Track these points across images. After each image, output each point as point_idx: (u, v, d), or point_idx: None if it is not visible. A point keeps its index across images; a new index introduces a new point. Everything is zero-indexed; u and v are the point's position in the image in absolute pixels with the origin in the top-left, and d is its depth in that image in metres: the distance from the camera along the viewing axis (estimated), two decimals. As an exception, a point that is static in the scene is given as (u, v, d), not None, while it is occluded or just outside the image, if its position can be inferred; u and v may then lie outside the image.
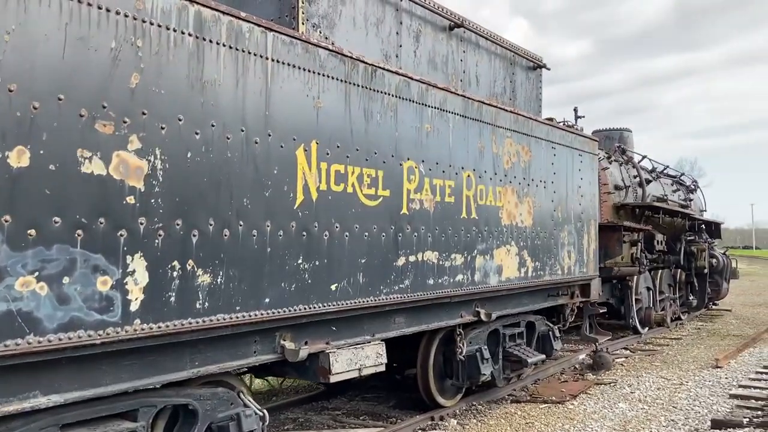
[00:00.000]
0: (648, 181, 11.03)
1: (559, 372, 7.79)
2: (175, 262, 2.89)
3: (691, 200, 13.57)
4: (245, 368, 4.39)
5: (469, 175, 5.00)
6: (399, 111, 4.29)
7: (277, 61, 3.40)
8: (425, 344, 5.60)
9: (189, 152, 2.95)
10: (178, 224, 2.90)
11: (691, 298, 13.09)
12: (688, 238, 12.35)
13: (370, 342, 4.31)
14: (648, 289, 10.95)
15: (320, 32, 4.21)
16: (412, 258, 4.39)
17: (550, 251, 6.22)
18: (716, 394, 6.58)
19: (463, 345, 5.56)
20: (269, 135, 3.35)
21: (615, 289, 10.31)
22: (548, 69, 7.04)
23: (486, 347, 5.85)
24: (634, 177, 10.72)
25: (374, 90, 4.07)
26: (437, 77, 5.26)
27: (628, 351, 9.69)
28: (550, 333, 6.96)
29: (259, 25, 3.29)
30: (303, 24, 4.07)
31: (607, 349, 8.28)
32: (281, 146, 3.41)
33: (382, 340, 4.42)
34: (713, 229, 14.32)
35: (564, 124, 9.40)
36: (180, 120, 2.92)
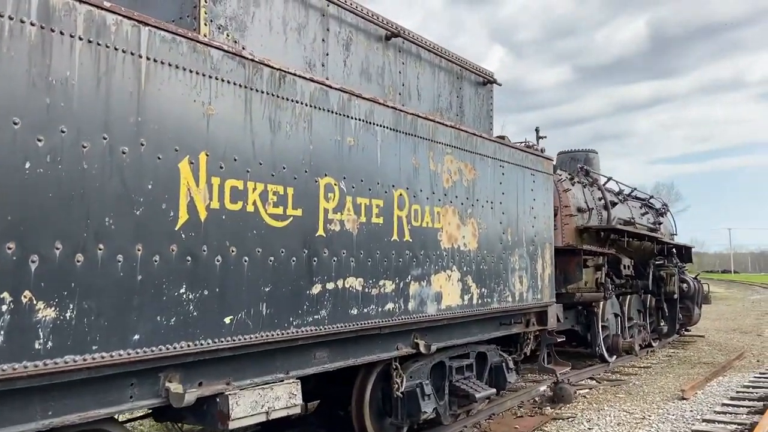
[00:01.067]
0: (613, 204, 10.73)
1: (516, 405, 7.32)
2: (5, 294, 2.40)
3: (660, 224, 13.32)
4: (141, 412, 3.88)
5: (401, 194, 4.58)
6: (315, 122, 3.87)
7: (155, 60, 2.97)
8: (361, 379, 5.11)
9: (27, 162, 2.48)
10: (9, 248, 2.42)
11: (662, 324, 12.76)
12: (657, 262, 12.04)
13: (282, 381, 3.82)
14: (615, 315, 10.58)
15: (228, 35, 3.81)
16: (330, 285, 3.93)
17: (498, 277, 5.80)
18: (678, 430, 6.16)
19: (400, 380, 5.08)
20: (142, 144, 2.90)
21: (580, 315, 9.92)
22: (499, 84, 6.72)
23: (428, 382, 5.37)
24: (599, 199, 10.42)
25: (283, 98, 3.65)
26: (372, 89, 4.88)
27: (593, 381, 9.26)
28: (504, 364, 6.51)
29: (129, 18, 2.86)
30: (206, 25, 3.66)
31: (568, 380, 7.84)
32: (158, 158, 2.96)
33: (298, 378, 3.93)
34: (683, 253, 14.07)
35: (525, 145, 9.09)
36: (16, 124, 2.46)
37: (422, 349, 5.03)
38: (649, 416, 6.72)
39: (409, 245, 4.64)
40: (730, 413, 6.70)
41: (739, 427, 6.14)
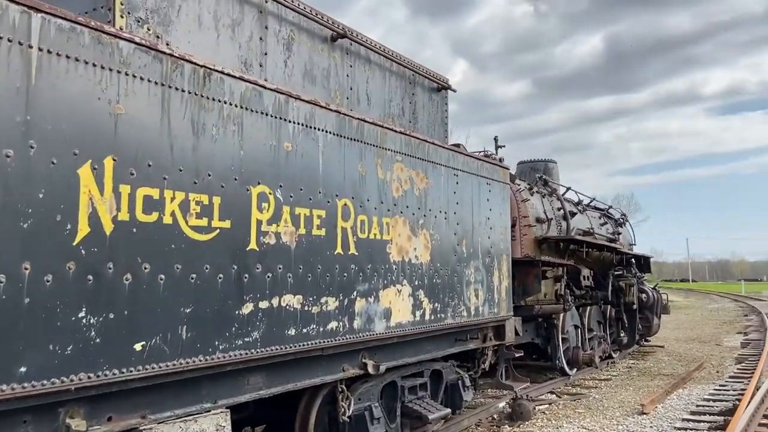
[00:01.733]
0: (573, 214, 10.64)
1: (474, 424, 7.04)
2: None
3: (619, 234, 13.33)
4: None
5: (346, 204, 4.27)
6: (246, 125, 3.53)
7: (49, 52, 2.60)
8: (305, 403, 4.75)
9: None
10: None
11: (622, 335, 12.72)
12: (616, 272, 12.01)
13: (210, 411, 3.44)
14: (576, 327, 10.45)
15: (148, 29, 3.45)
16: (263, 304, 3.57)
17: (453, 290, 5.53)
18: (639, 448, 5.97)
19: (347, 403, 4.74)
20: (32, 147, 2.51)
21: (540, 328, 9.74)
22: (454, 91, 6.50)
23: (378, 404, 5.05)
24: (558, 209, 10.31)
25: (208, 98, 3.31)
26: (316, 93, 4.57)
27: (554, 395, 9.07)
28: (460, 382, 6.24)
29: (17, 3, 2.49)
30: (122, 17, 3.30)
31: (527, 396, 7.62)
32: (52, 162, 2.58)
33: (227, 407, 3.56)
34: (642, 263, 14.12)
35: (483, 154, 8.90)
36: None
37: (371, 369, 4.70)
38: (609, 433, 6.53)
39: (354, 259, 4.32)
40: (691, 429, 6.56)
41: (699, 443, 6.00)
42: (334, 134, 4.22)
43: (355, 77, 5.12)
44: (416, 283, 5.00)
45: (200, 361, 3.18)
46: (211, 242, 3.26)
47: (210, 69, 3.32)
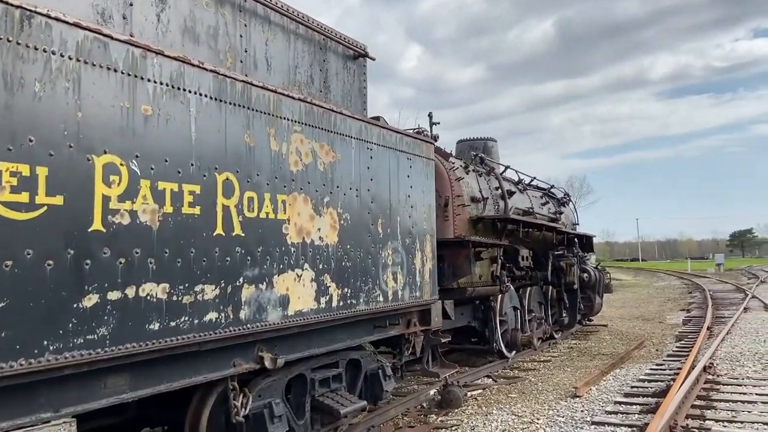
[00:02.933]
0: (511, 193, 10.35)
1: (401, 414, 6.67)
2: None
3: (561, 213, 13.18)
4: None
5: (228, 179, 3.75)
6: (85, 82, 2.96)
7: None
8: (197, 403, 4.25)
9: None
10: None
11: (564, 315, 12.62)
12: (557, 252, 11.83)
13: (48, 422, 2.90)
14: (515, 308, 10.22)
15: (-40, -36, 2.82)
16: (114, 295, 3.04)
17: (366, 274, 5.09)
18: (566, 435, 5.71)
19: (245, 400, 4.26)
20: None
21: (477, 310, 9.46)
22: (372, 59, 6.00)
23: (281, 400, 4.59)
24: (496, 188, 10.00)
25: (28, 46, 2.73)
26: (201, 54, 4.00)
27: (490, 380, 8.80)
28: (380, 371, 5.83)
29: None
30: None
31: (458, 382, 7.29)
32: None
33: (74, 417, 3.03)
34: (585, 242, 14.04)
35: (416, 132, 8.46)
36: None
37: (268, 364, 4.23)
38: (538, 419, 6.25)
39: (240, 241, 3.81)
40: (622, 413, 6.35)
41: (629, 429, 5.76)
42: (211, 98, 3.67)
43: (251, 39, 4.56)
44: (321, 267, 4.53)
45: (20, 365, 2.64)
46: (35, 222, 2.70)
47: (30, 11, 2.73)
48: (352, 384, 5.64)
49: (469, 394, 7.67)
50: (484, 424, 6.19)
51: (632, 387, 7.61)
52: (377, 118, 5.99)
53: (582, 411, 6.53)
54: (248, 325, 3.87)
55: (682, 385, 6.91)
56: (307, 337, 4.69)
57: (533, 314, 10.89)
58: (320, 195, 4.57)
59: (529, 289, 11.02)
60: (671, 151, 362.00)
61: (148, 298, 3.20)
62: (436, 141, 9.27)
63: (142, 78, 3.23)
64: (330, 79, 5.47)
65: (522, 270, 10.88)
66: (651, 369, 8.89)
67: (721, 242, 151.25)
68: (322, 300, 4.54)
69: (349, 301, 4.86)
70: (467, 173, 9.23)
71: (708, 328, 13.14)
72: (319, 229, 4.53)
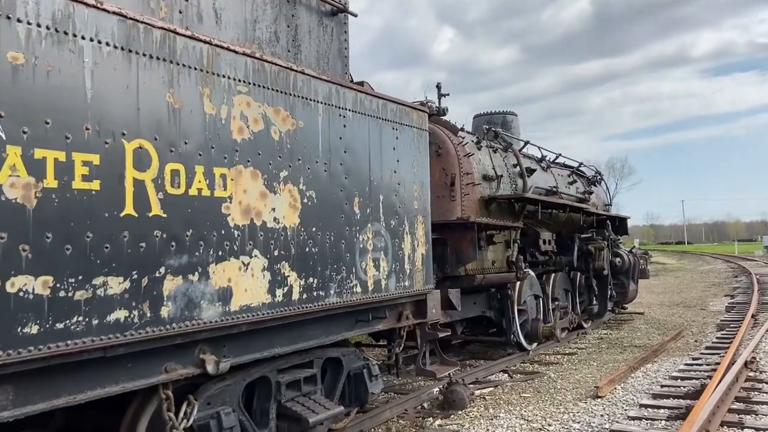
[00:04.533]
0: (531, 171, 9.46)
1: (396, 416, 5.99)
2: None
3: (591, 193, 12.19)
4: None
5: (141, 147, 3.09)
6: None
7: None
8: (134, 412, 3.66)
9: None
10: None
11: (594, 303, 11.69)
12: (583, 235, 10.89)
13: None
14: (536, 297, 9.38)
15: None
16: (-31, 290, 2.42)
17: (339, 261, 4.39)
18: (579, 446, 4.94)
19: (190, 410, 3.65)
20: None
21: (493, 299, 8.66)
22: (354, 15, 5.25)
23: (235, 408, 3.96)
24: (514, 166, 9.13)
25: None
26: (122, 2, 3.33)
27: (506, 375, 8.04)
28: (365, 371, 5.15)
29: None
30: None
31: (462, 380, 6.55)
32: None
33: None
34: (618, 224, 13.02)
35: (419, 103, 7.74)
36: None
37: (210, 368, 3.58)
38: (549, 426, 5.48)
39: (161, 223, 3.16)
40: (647, 418, 5.51)
41: (653, 439, 4.96)
42: (117, 47, 3.00)
43: (193, -14, 3.87)
44: (276, 253, 3.85)
45: None
46: None
47: None
48: (333, 386, 4.98)
49: (477, 392, 6.94)
50: (488, 430, 5.45)
51: (662, 386, 6.74)
52: (361, 84, 5.24)
53: (602, 415, 5.72)
54: (175, 325, 3.22)
55: (718, 384, 6.02)
56: (266, 336, 4.03)
57: (557, 303, 10.02)
58: (275, 169, 3.88)
59: (553, 275, 10.15)
60: (717, 130, 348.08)
61: (21, 294, 2.57)
62: (444, 114, 8.47)
63: (8, 17, 2.58)
64: (301, 37, 4.75)
65: (545, 255, 10.02)
66: (686, 364, 7.98)
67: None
68: (279, 292, 3.86)
69: (315, 293, 4.17)
70: (479, 149, 8.40)
71: (753, 316, 12.03)
72: (273, 209, 3.84)
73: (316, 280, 4.17)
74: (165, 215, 3.18)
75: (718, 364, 7.49)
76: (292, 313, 3.99)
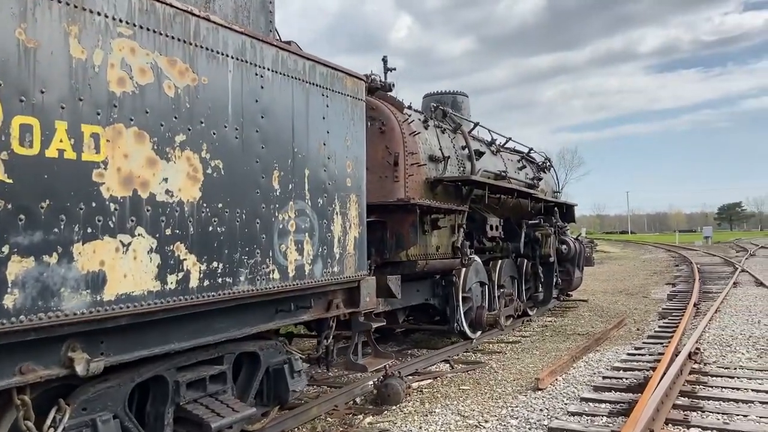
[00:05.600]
0: (480, 153, 9.05)
1: (324, 413, 5.48)
2: None
3: (540, 179, 11.93)
4: None
5: (-24, 93, 2.42)
6: None
7: None
8: (-12, 420, 3.00)
9: None
10: None
11: (540, 291, 11.47)
12: (531, 222, 10.60)
13: None
14: (481, 284, 9.02)
15: None
16: None
17: (252, 243, 3.81)
18: (517, 447, 4.54)
19: (60, 417, 3.04)
20: None
21: (437, 286, 8.25)
22: (280, -36, 4.62)
23: (118, 414, 3.36)
24: (462, 148, 8.69)
25: None
26: None
27: (448, 365, 7.65)
28: (287, 366, 4.61)
29: None
30: None
31: (398, 372, 6.09)
32: None
33: None
34: (565, 211, 12.84)
35: (367, 77, 7.18)
36: None
37: (79, 369, 2.96)
38: (486, 422, 5.08)
39: (4, 190, 2.51)
40: (588, 414, 5.18)
41: (594, 438, 4.61)
42: (-61, -38, 2.32)
43: None
44: (169, 232, 3.24)
45: None
46: None
47: None
48: (248, 384, 4.42)
49: (415, 384, 6.51)
50: (421, 428, 5.01)
51: (604, 378, 6.46)
52: (288, 43, 4.63)
53: (541, 410, 5.37)
54: (24, 317, 2.59)
55: (662, 378, 5.76)
56: (160, 329, 3.43)
57: (503, 290, 9.71)
58: (168, 131, 3.25)
59: (500, 262, 9.82)
60: (661, 125, 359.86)
61: None
62: (390, 90, 7.94)
63: None
64: (214, -17, 4.09)
65: (492, 241, 9.68)
66: (628, 354, 7.77)
67: (710, 215, 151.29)
68: (171, 279, 3.26)
69: (221, 280, 3.58)
70: (426, 128, 7.90)
71: (695, 305, 12.06)
72: (165, 180, 3.23)
73: (221, 265, 3.59)
74: (10, 181, 2.53)
75: (661, 354, 7.29)
76: (189, 303, 3.40)
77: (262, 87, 3.93)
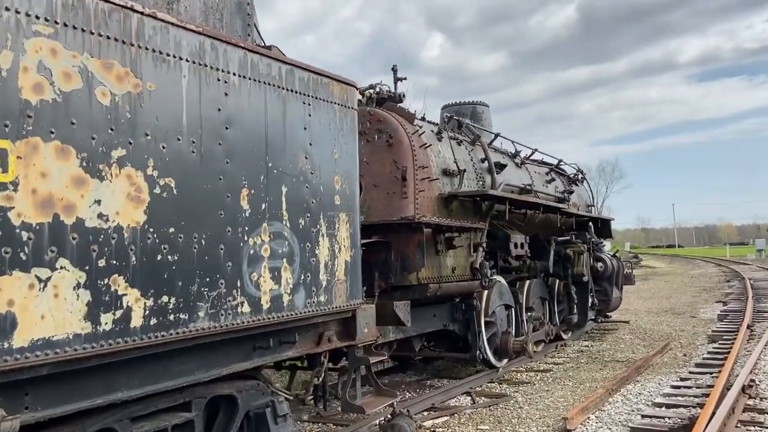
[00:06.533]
0: (502, 166, 8.42)
1: (320, 459, 4.91)
2: None
3: (571, 192, 11.18)
4: None
5: None
6: None
7: None
8: None
9: None
10: None
11: (575, 312, 10.66)
12: (560, 238, 9.85)
13: None
14: (507, 307, 8.33)
15: None
16: None
17: (215, 273, 3.31)
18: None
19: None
20: None
21: (456, 311, 7.61)
22: (256, -39, 4.18)
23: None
24: (482, 161, 8.09)
25: None
26: None
27: (469, 398, 6.99)
28: (269, 410, 4.07)
29: None
30: None
31: (407, 411, 5.46)
32: None
33: None
34: (600, 226, 12.02)
35: (376, 87, 6.78)
36: None
37: (-12, 427, 2.49)
38: (502, 476, 4.42)
39: None
40: (622, 464, 4.47)
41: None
42: None
43: None
44: (103, 264, 2.76)
45: None
46: None
47: None
48: (225, 431, 3.90)
49: (429, 422, 5.88)
50: (426, 480, 4.39)
51: (643, 417, 5.69)
52: (269, 48, 4.16)
53: (568, 460, 4.67)
54: None
55: (711, 418, 4.99)
56: (102, 376, 2.94)
57: (531, 313, 8.98)
58: (102, 146, 2.79)
59: (527, 282, 9.12)
60: (705, 135, 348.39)
61: None
62: (401, 101, 7.44)
63: None
64: (177, -18, 3.67)
65: (518, 260, 8.99)
66: (672, 386, 6.95)
67: (762, 227, 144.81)
68: (106, 319, 2.78)
69: (173, 317, 3.09)
70: (440, 140, 7.34)
71: (748, 327, 11.03)
72: (98, 202, 2.76)
73: (174, 300, 3.09)
74: None
75: (710, 387, 6.47)
76: (132, 346, 2.90)
77: (226, 94, 3.46)
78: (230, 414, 3.94)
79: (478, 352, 7.60)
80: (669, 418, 5.54)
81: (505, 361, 8.20)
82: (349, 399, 4.69)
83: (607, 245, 14.83)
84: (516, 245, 8.38)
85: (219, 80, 3.42)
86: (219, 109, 3.41)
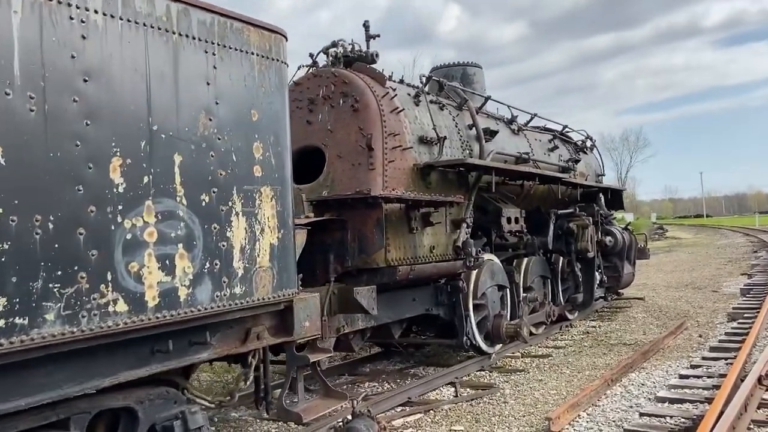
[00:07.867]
0: (493, 133, 7.58)
1: (261, 470, 4.28)
2: None
3: (577, 161, 10.28)
4: None
5: None
6: None
7: None
8: None
9: None
10: None
11: (580, 291, 9.86)
12: (561, 212, 9.00)
13: None
14: (499, 287, 7.58)
15: None
16: None
17: (71, 263, 2.64)
18: None
19: None
20: None
21: (441, 293, 6.88)
22: None
23: None
24: (469, 127, 7.27)
25: None
26: None
27: (453, 389, 6.31)
28: (178, 423, 3.43)
29: None
30: None
31: (368, 411, 4.78)
32: None
33: None
34: (610, 197, 11.12)
35: (341, 51, 6.07)
36: None
37: None
38: (462, 494, 3.74)
39: None
40: (607, 481, 3.74)
41: None
42: None
43: None
44: None
45: None
46: None
47: None
48: (120, 448, 3.28)
49: (399, 421, 5.21)
50: (372, 499, 3.73)
51: (642, 415, 4.94)
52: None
53: (546, 472, 3.96)
54: None
55: (719, 417, 4.24)
56: None
57: (528, 294, 8.22)
58: None
59: (525, 260, 8.34)
60: (734, 102, 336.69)
61: None
62: (374, 61, 6.64)
63: None
64: None
65: (516, 236, 8.19)
66: (681, 375, 6.17)
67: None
68: None
69: (3, 323, 2.43)
70: (417, 104, 6.53)
71: (773, 303, 10.11)
72: None
73: (3, 301, 2.43)
74: None
75: (722, 377, 5.68)
76: (-59, 360, 2.25)
77: (84, 37, 2.74)
78: (131, 429, 3.31)
79: (465, 338, 6.89)
80: (670, 417, 4.78)
81: (499, 346, 7.49)
82: (287, 403, 4.03)
83: (629, 217, 13.82)
84: (509, 220, 7.59)
85: (72, 18, 2.70)
86: (73, 56, 2.69)
